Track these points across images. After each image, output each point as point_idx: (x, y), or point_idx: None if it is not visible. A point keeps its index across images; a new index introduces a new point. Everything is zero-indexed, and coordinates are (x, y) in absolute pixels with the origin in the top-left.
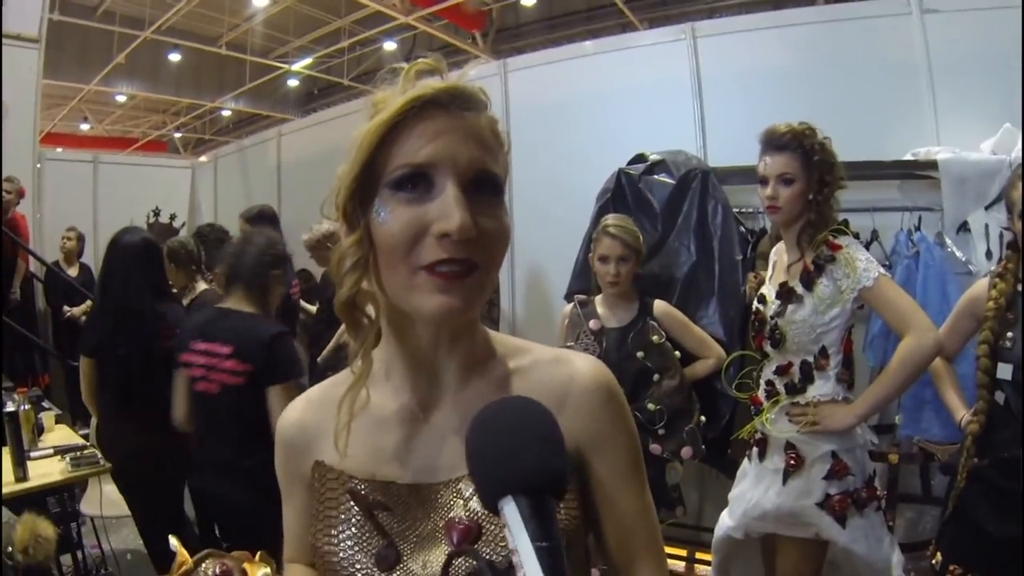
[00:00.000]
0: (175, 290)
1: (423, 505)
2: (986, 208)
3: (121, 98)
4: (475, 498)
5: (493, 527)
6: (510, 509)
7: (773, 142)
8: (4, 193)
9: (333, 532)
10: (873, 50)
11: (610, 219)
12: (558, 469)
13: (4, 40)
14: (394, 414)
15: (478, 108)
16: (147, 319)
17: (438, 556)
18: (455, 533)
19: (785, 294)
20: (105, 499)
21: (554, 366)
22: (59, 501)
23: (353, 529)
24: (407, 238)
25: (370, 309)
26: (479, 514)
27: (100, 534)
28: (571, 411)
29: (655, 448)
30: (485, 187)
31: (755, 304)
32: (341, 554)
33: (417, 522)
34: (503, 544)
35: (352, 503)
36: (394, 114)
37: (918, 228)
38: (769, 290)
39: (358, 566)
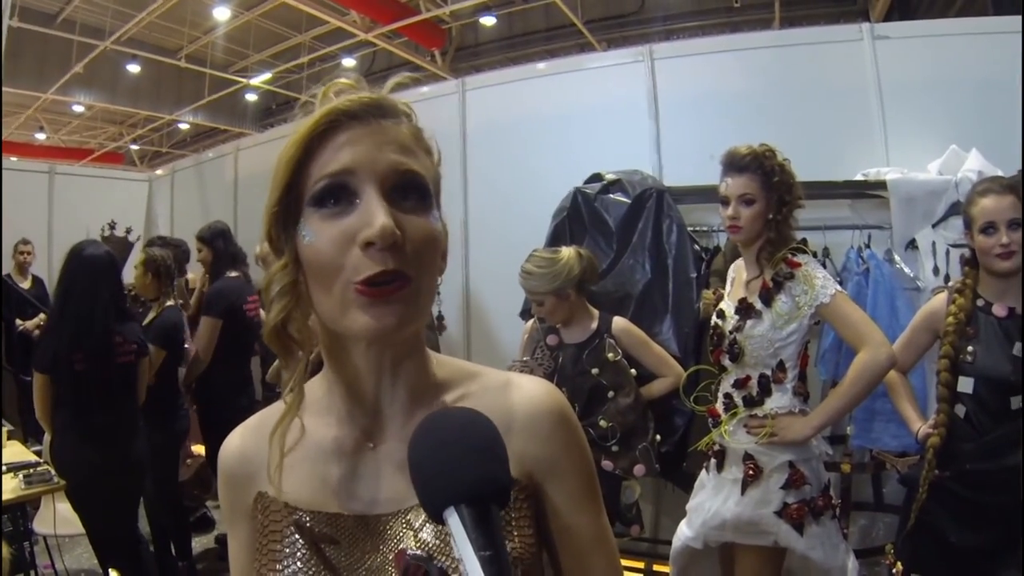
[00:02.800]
0: (144, 300)
1: (372, 537)
2: (933, 226)
3: (78, 108)
4: (425, 528)
5: (445, 559)
6: (453, 519)
7: (734, 163)
8: None
9: (278, 567)
10: (826, 74)
11: (525, 262)
12: (499, 478)
13: None
14: (338, 444)
15: (397, 116)
16: (107, 335)
17: None
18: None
19: (744, 309)
20: (59, 517)
21: (504, 391)
22: (11, 520)
23: (299, 563)
24: (333, 254)
25: (301, 336)
26: (429, 545)
27: (54, 553)
28: (522, 436)
29: (607, 464)
30: (409, 191)
31: (714, 319)
32: None
33: (366, 555)
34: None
35: (297, 536)
36: (308, 130)
37: (868, 245)
38: (728, 306)
39: None
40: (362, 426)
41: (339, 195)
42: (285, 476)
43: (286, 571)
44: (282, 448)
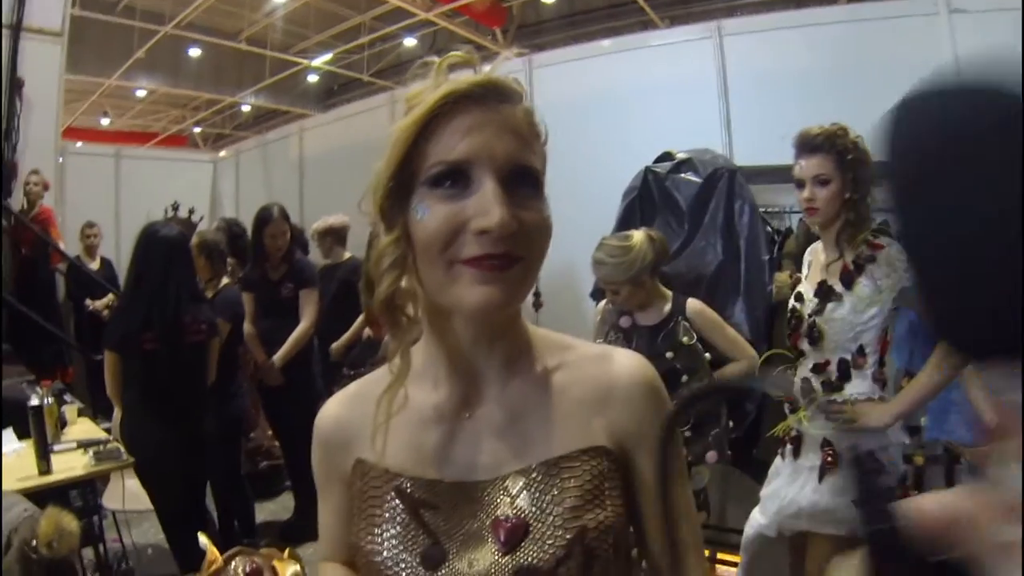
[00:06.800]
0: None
1: (469, 503)
2: None
3: (141, 93)
4: (522, 495)
5: (540, 525)
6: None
7: (807, 144)
8: (32, 186)
9: (376, 531)
10: (900, 50)
11: (596, 251)
12: None
13: (27, 34)
14: (436, 412)
15: (513, 100)
16: (177, 315)
17: (484, 555)
18: (502, 532)
19: (824, 293)
20: (127, 493)
21: (597, 362)
22: (81, 495)
23: (398, 528)
24: (445, 234)
25: (410, 308)
26: (526, 512)
27: (121, 528)
28: (615, 408)
29: None
30: (524, 181)
31: (792, 302)
32: (385, 553)
33: (464, 520)
34: (550, 543)
35: (397, 501)
36: (428, 111)
37: None
38: (807, 289)
39: (403, 565)
40: (460, 393)
41: (456, 178)
42: (386, 442)
43: (385, 535)
44: (388, 413)
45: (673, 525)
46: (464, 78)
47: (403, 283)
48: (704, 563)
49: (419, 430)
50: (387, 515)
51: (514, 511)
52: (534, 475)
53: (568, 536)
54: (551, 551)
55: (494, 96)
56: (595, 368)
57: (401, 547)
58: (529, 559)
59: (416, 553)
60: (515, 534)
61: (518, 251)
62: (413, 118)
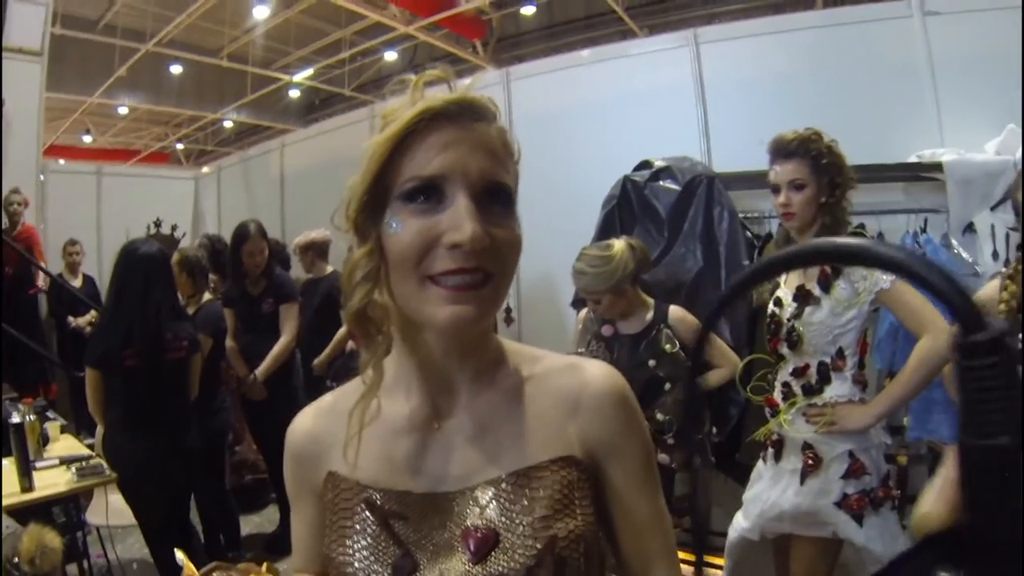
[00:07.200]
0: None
1: (439, 514)
2: (991, 209)
3: (123, 110)
4: (491, 505)
5: (511, 535)
6: None
7: (781, 150)
8: (15, 205)
9: (348, 543)
10: (875, 53)
11: (576, 261)
12: None
13: (6, 54)
14: (406, 423)
15: (487, 118)
16: (158, 332)
17: (455, 565)
18: (472, 542)
19: (802, 296)
20: (111, 508)
21: (567, 373)
22: (64, 511)
23: (369, 539)
24: (418, 248)
25: (382, 320)
26: (495, 522)
27: (106, 543)
28: (584, 417)
29: (663, 458)
30: (496, 198)
31: (771, 307)
32: (357, 564)
33: (433, 531)
34: (520, 552)
35: (368, 513)
36: (403, 127)
37: (924, 230)
38: (785, 293)
39: None
40: (432, 403)
41: (429, 193)
42: (358, 454)
43: (356, 546)
44: (360, 425)
45: (640, 536)
46: (439, 96)
47: (376, 296)
48: (678, 570)
49: (391, 441)
50: (358, 527)
51: (484, 521)
52: (503, 485)
53: (538, 546)
54: (521, 561)
55: (469, 114)
56: (564, 378)
57: (372, 558)
58: (499, 569)
59: (387, 564)
60: (485, 544)
61: (489, 267)
62: (388, 134)
